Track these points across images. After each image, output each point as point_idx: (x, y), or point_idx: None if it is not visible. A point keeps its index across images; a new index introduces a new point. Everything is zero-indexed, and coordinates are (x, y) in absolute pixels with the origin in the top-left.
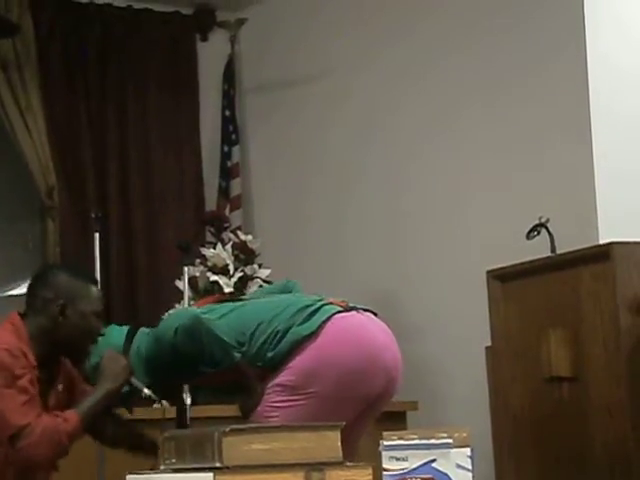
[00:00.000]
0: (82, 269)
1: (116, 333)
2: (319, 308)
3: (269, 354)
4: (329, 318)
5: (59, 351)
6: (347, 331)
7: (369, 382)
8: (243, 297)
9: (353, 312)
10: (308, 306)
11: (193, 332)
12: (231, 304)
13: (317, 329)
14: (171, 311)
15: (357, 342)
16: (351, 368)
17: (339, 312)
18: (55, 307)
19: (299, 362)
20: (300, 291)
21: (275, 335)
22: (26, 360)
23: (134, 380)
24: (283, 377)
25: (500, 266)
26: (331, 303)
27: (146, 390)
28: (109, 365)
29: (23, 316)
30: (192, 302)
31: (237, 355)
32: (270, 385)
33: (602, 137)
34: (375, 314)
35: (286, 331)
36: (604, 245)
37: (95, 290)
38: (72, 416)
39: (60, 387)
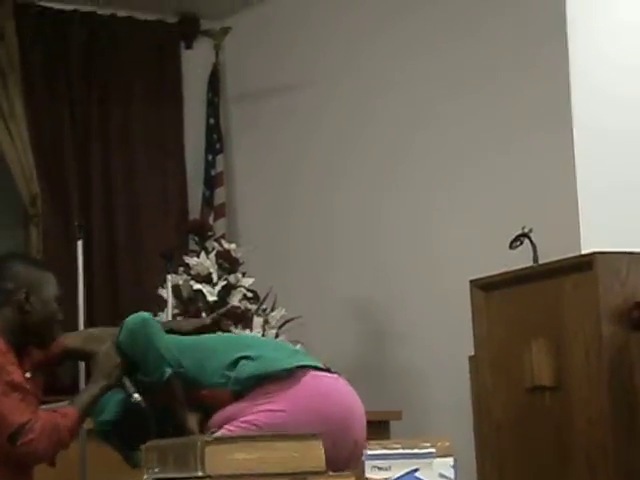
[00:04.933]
0: (33, 257)
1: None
2: (299, 353)
3: (231, 374)
4: (307, 367)
5: (27, 340)
6: (323, 392)
7: (340, 444)
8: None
9: (327, 373)
10: (289, 348)
11: (134, 335)
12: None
13: (293, 369)
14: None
15: (331, 406)
16: (325, 427)
17: (318, 368)
18: (19, 296)
19: (269, 405)
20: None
21: (245, 359)
22: (11, 356)
23: (126, 381)
24: (251, 417)
25: (483, 276)
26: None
27: (136, 395)
28: (104, 361)
29: None
30: (175, 310)
31: (168, 370)
32: (241, 419)
33: (584, 148)
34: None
35: (258, 358)
36: (586, 255)
37: (52, 275)
38: (70, 411)
39: (28, 374)
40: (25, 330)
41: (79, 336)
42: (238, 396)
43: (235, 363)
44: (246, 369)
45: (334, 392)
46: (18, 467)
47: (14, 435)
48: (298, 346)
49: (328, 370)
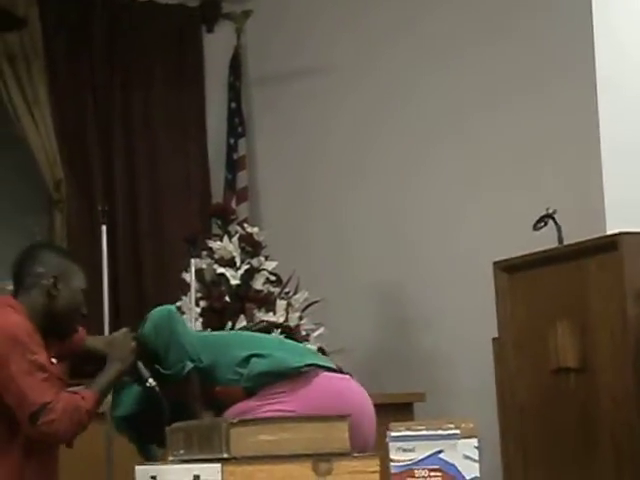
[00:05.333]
0: (64, 248)
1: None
2: (311, 353)
3: (243, 371)
4: (319, 367)
5: (50, 327)
6: (335, 392)
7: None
8: None
9: (340, 374)
10: (300, 348)
11: (158, 327)
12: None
13: (305, 369)
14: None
15: (342, 406)
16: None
17: (329, 369)
18: (47, 281)
19: (280, 405)
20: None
21: (257, 356)
22: (38, 338)
23: (140, 366)
24: (262, 416)
25: (507, 257)
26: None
27: (151, 380)
28: (119, 346)
29: (15, 297)
30: (199, 294)
31: (189, 364)
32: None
33: (610, 127)
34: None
35: (269, 356)
36: (612, 235)
37: (81, 269)
38: (89, 394)
39: (54, 360)
40: (49, 316)
41: (102, 339)
42: (250, 393)
43: (247, 360)
44: (257, 367)
45: (346, 391)
46: (43, 448)
47: (35, 414)
48: (322, 329)
49: (340, 371)
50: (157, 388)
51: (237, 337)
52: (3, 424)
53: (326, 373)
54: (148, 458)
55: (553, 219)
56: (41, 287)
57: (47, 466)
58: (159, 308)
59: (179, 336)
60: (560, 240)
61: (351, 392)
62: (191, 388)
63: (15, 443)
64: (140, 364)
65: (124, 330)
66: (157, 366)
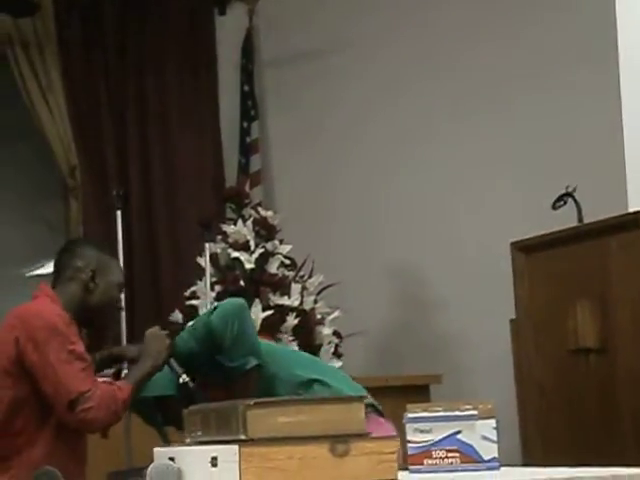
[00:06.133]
0: (103, 243)
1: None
2: (364, 390)
3: (304, 394)
4: (374, 408)
5: (85, 320)
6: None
7: None
8: None
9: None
10: (356, 384)
11: (229, 317)
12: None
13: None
14: None
15: None
16: None
17: (378, 411)
18: (86, 274)
19: None
20: None
21: (320, 383)
22: (75, 328)
23: (173, 363)
24: None
25: (525, 237)
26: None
27: (184, 376)
28: (152, 343)
29: (52, 288)
30: (213, 279)
31: (253, 361)
32: None
33: (631, 101)
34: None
35: (332, 387)
36: (633, 213)
37: (119, 264)
38: (125, 385)
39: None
40: (85, 309)
41: (133, 347)
42: None
43: (309, 384)
44: (320, 393)
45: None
46: (73, 437)
47: (74, 402)
48: (337, 312)
49: (382, 415)
50: (191, 384)
51: (297, 356)
52: (36, 408)
53: (377, 416)
54: (167, 441)
55: (573, 197)
56: (79, 281)
57: (76, 450)
58: (231, 299)
59: (249, 329)
60: (580, 219)
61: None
62: (248, 385)
63: (46, 427)
64: (172, 361)
65: (156, 328)
66: (218, 357)
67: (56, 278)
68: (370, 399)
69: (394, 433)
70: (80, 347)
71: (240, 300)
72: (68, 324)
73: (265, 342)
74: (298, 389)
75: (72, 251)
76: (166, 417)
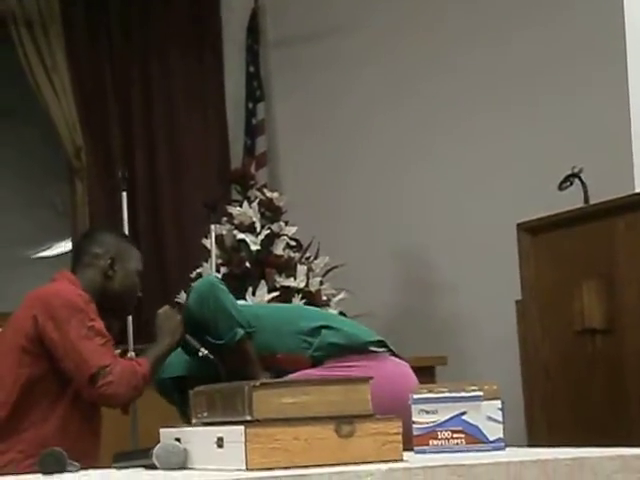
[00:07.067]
0: (122, 231)
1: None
2: (375, 333)
3: (313, 340)
4: (387, 348)
5: (105, 306)
6: (399, 378)
7: None
8: None
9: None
10: (365, 328)
11: (203, 297)
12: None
13: (375, 348)
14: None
15: (401, 393)
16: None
17: (393, 353)
18: (105, 261)
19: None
20: None
21: (327, 328)
22: (94, 307)
23: (189, 338)
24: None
25: (531, 218)
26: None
27: (203, 349)
28: (165, 322)
29: (72, 273)
30: (219, 260)
31: (239, 331)
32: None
33: (638, 83)
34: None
35: (340, 330)
36: None
37: (138, 252)
38: (145, 362)
39: None
40: (104, 295)
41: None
42: (317, 362)
43: (317, 330)
44: (329, 337)
45: (408, 378)
46: (88, 412)
47: (95, 376)
48: (343, 294)
49: (398, 355)
50: (211, 356)
51: (304, 310)
52: (52, 385)
53: (393, 357)
54: (189, 421)
55: (579, 178)
56: (98, 267)
57: (91, 424)
58: (201, 279)
59: (225, 303)
60: (586, 200)
61: (411, 380)
62: (246, 354)
63: (62, 401)
64: (189, 336)
65: (167, 307)
66: (208, 337)
67: (75, 263)
68: (386, 342)
69: (410, 373)
70: (99, 323)
71: (209, 277)
72: (87, 302)
73: (258, 305)
74: (307, 337)
75: (92, 237)
76: (184, 397)
